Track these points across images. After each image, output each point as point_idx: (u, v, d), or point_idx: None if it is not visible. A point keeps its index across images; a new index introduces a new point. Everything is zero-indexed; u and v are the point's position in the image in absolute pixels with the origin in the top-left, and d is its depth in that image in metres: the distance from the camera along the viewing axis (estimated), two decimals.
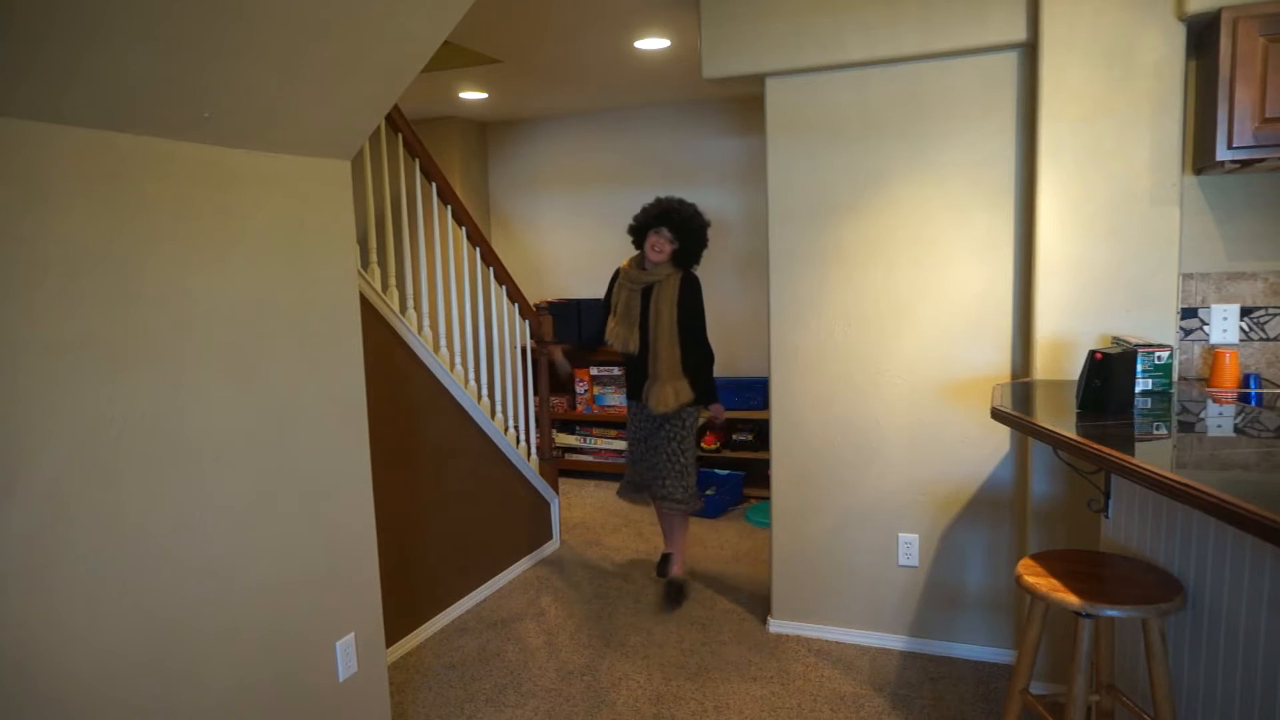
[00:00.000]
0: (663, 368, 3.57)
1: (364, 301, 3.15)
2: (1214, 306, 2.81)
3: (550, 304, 5.60)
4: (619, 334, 3.64)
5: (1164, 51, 2.60)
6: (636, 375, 3.71)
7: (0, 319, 1.55)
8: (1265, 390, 2.67)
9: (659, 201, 3.61)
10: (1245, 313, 2.79)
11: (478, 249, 4.04)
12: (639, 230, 3.64)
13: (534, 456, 4.42)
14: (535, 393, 4.54)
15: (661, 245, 3.55)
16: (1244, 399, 2.59)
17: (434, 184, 3.71)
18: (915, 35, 2.93)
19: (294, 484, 2.22)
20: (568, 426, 6.09)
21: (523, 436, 4.36)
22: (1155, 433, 2.05)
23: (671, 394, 3.58)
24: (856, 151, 3.13)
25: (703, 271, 5.92)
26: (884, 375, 3.20)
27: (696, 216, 3.59)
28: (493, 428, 4.00)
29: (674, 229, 3.54)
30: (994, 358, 3.04)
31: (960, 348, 3.08)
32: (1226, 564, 1.79)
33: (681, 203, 3.59)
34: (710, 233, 5.95)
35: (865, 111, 3.11)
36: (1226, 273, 2.80)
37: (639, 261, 3.67)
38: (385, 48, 2.06)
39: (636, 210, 3.74)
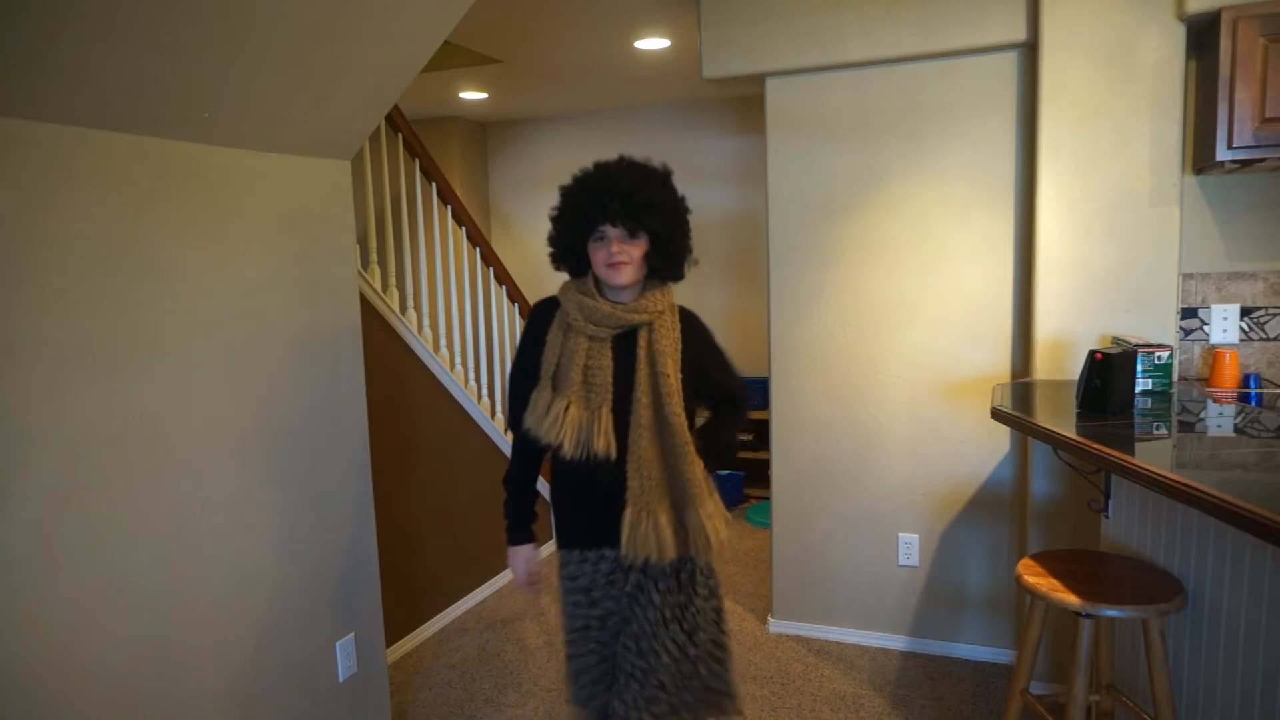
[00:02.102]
0: (659, 481, 1.79)
1: (364, 301, 3.15)
2: (1214, 306, 2.81)
3: None
4: (576, 425, 1.78)
5: (1164, 51, 2.60)
6: (592, 500, 1.85)
7: (2, 318, 1.55)
8: (1265, 390, 2.67)
9: (595, 171, 1.84)
10: (1245, 313, 2.79)
11: (478, 249, 4.04)
12: (566, 235, 1.86)
13: None
14: None
15: (622, 252, 1.78)
16: (1244, 399, 2.59)
17: (434, 184, 3.71)
18: (915, 35, 2.93)
19: (294, 484, 2.22)
20: None
21: None
22: (1155, 433, 2.05)
23: (673, 530, 1.79)
24: (856, 151, 3.13)
25: (699, 272, 5.93)
26: (884, 375, 3.19)
27: (667, 185, 1.86)
28: (492, 427, 4.00)
29: (633, 213, 1.77)
30: (994, 358, 3.04)
31: (960, 347, 3.08)
32: (1226, 564, 1.79)
33: (634, 166, 1.84)
34: (711, 232, 5.40)
35: (865, 111, 3.10)
36: (1226, 273, 2.80)
37: (593, 287, 1.86)
38: (385, 48, 2.06)
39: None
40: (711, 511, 1.79)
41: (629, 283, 1.81)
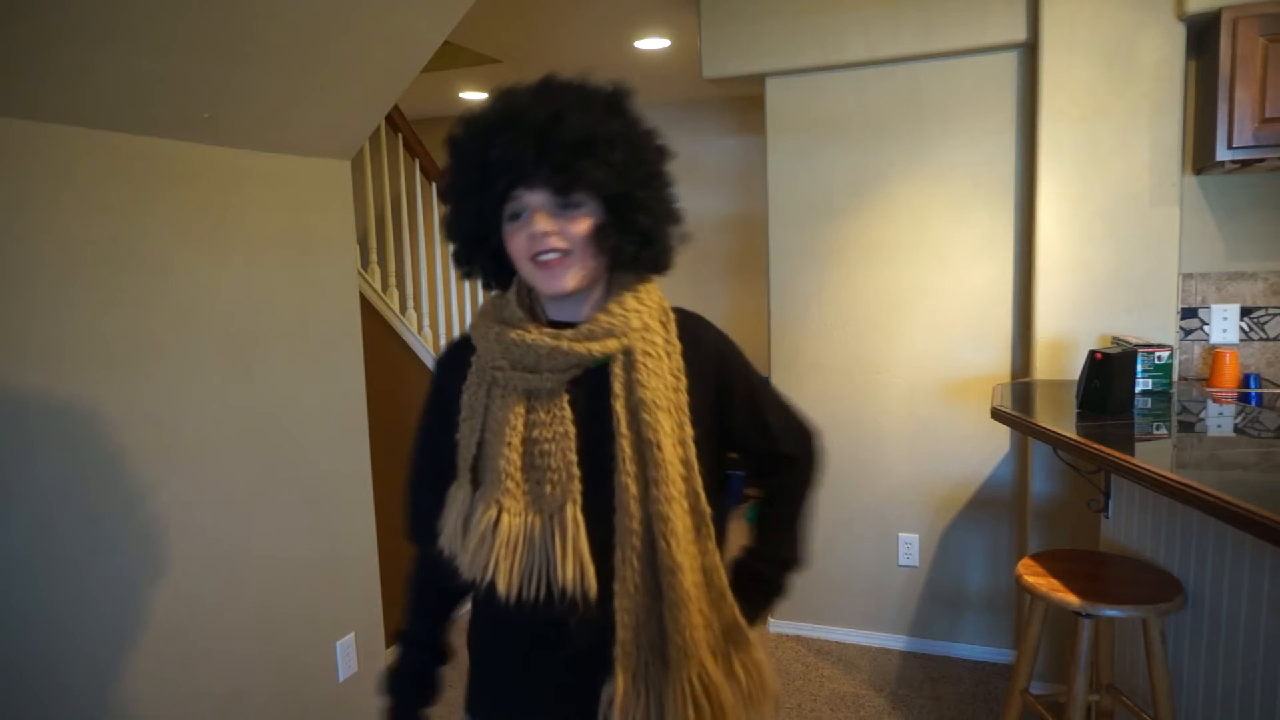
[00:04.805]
0: (659, 625, 1.06)
1: (364, 301, 3.15)
2: (1214, 306, 2.81)
3: None
4: (515, 545, 1.04)
5: (1164, 51, 2.60)
6: (548, 663, 1.11)
7: (2, 318, 1.55)
8: (1265, 390, 2.67)
9: (495, 101, 1.06)
10: (1245, 313, 2.79)
11: None
12: (462, 217, 1.10)
13: None
14: None
15: (554, 233, 1.04)
16: (1244, 399, 2.59)
17: (434, 184, 3.71)
18: (915, 35, 2.93)
19: (294, 484, 2.22)
20: None
21: None
22: (1155, 433, 2.05)
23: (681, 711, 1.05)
24: (856, 151, 3.13)
25: (698, 272, 5.93)
26: (884, 375, 3.19)
27: (618, 109, 1.08)
28: None
29: (562, 162, 1.01)
30: (994, 358, 3.04)
31: (960, 348, 3.08)
32: (1226, 564, 1.79)
33: (559, 86, 1.05)
34: (711, 232, 5.36)
35: (865, 111, 3.10)
36: (1226, 273, 2.80)
37: (521, 303, 1.12)
38: (385, 48, 2.06)
39: None
40: (759, 658, 1.11)
41: (576, 286, 1.07)
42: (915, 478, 3.19)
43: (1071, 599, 1.85)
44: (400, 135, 3.53)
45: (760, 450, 1.23)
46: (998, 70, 2.92)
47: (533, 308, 1.12)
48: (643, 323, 1.09)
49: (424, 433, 1.23)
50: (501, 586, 1.03)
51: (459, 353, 1.17)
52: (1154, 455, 1.77)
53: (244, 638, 2.07)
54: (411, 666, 1.23)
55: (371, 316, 3.20)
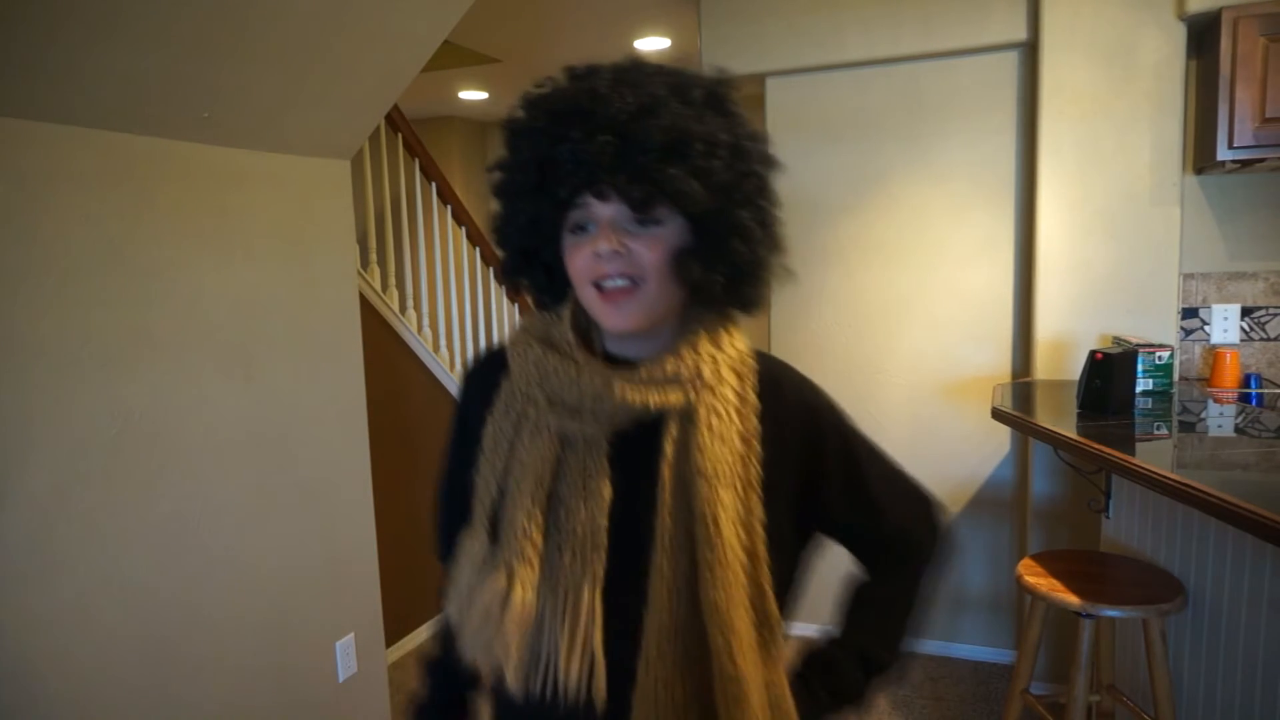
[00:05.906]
0: None
1: (364, 301, 3.15)
2: (1214, 306, 2.81)
3: None
4: (524, 626, 0.83)
5: (1164, 51, 2.60)
6: None
7: (2, 318, 1.55)
8: (1266, 390, 2.67)
9: (567, 84, 0.84)
10: (1246, 313, 2.79)
11: (478, 249, 4.04)
12: (514, 223, 0.89)
13: None
14: None
15: (622, 255, 0.82)
16: (1244, 399, 2.59)
17: (434, 184, 3.71)
18: (915, 35, 2.93)
19: (294, 484, 2.22)
20: None
21: None
22: (1155, 433, 2.05)
23: None
24: (856, 151, 3.13)
25: None
26: (884, 375, 3.19)
27: (719, 106, 0.84)
28: None
29: (645, 168, 0.79)
30: (994, 358, 3.04)
31: (960, 348, 3.08)
32: (1226, 564, 1.79)
33: (644, 71, 0.83)
34: None
35: (865, 111, 3.10)
36: (1227, 273, 2.79)
37: (579, 328, 0.91)
38: (385, 48, 2.06)
39: None
40: None
41: (642, 326, 0.86)
42: (915, 478, 3.19)
43: (1072, 599, 1.84)
44: (400, 135, 3.53)
45: (864, 530, 1.02)
46: (998, 70, 2.92)
47: (588, 331, 0.91)
48: (716, 374, 0.88)
49: (449, 457, 1.02)
50: (510, 676, 0.84)
51: (489, 370, 0.96)
52: (1154, 455, 1.77)
53: (243, 638, 2.07)
54: (438, 693, 1.06)
55: (371, 317, 3.20)
